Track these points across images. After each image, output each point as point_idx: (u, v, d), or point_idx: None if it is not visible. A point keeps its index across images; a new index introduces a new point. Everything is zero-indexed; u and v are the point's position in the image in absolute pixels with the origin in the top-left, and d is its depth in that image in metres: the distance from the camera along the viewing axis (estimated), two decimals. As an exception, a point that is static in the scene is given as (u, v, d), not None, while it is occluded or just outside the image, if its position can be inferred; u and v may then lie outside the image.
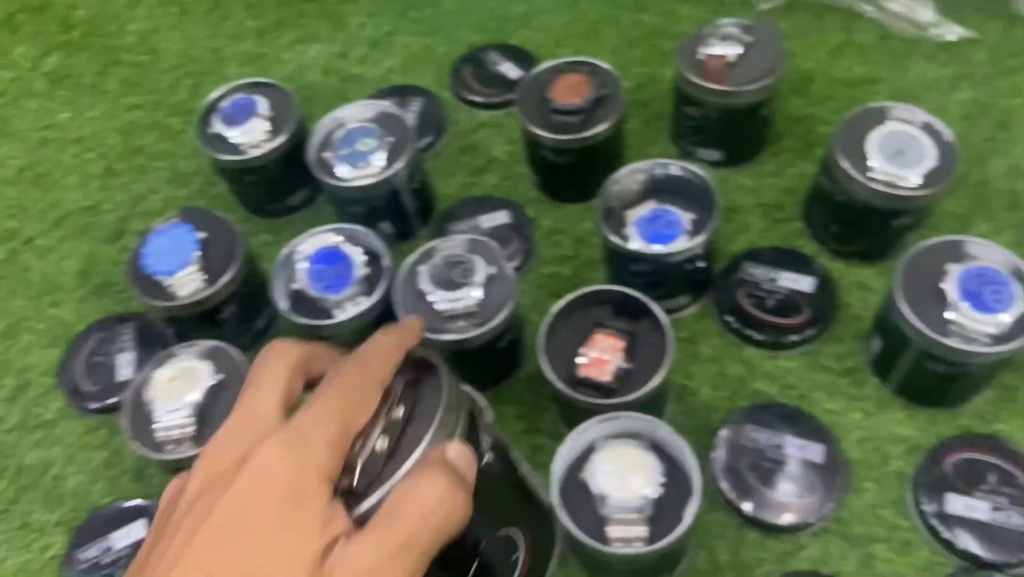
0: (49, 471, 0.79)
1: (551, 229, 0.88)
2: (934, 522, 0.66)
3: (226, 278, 0.76)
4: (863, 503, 0.69)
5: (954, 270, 0.66)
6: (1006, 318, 0.63)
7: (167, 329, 0.83)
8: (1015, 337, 0.63)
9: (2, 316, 0.90)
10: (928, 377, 0.68)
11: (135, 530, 0.73)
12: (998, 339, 0.63)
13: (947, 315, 0.64)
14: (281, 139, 0.85)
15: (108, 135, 1.02)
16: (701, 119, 0.85)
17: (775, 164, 0.89)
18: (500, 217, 0.88)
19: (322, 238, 0.77)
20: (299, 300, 0.75)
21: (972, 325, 0.63)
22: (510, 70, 1.00)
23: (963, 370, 0.66)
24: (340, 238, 0.77)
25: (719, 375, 0.76)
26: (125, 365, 0.83)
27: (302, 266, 0.75)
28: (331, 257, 0.76)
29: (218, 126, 0.86)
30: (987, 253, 0.67)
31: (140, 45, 1.10)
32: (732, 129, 0.85)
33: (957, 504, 0.66)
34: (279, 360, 0.41)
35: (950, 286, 0.65)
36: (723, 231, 0.84)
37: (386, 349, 0.42)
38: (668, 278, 0.76)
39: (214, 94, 0.88)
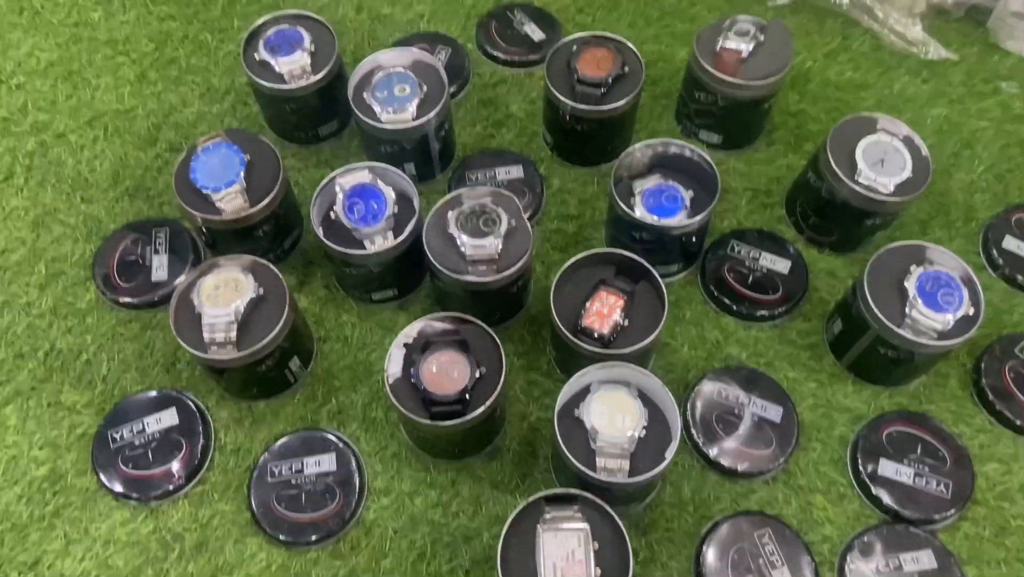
0: (81, 356, 0.86)
1: (559, 188, 0.96)
2: (867, 481, 0.78)
3: (267, 200, 0.82)
4: (809, 459, 0.80)
5: (916, 271, 0.76)
6: (951, 318, 0.75)
7: (200, 239, 0.89)
8: (956, 335, 0.75)
9: (33, 206, 0.94)
10: (878, 359, 0.80)
11: (167, 417, 0.81)
12: (942, 335, 0.75)
13: (906, 309, 0.75)
14: (322, 73, 0.90)
15: (141, 41, 1.05)
16: (708, 104, 0.93)
17: (767, 153, 0.98)
18: (514, 171, 0.95)
19: (359, 174, 0.83)
20: (333, 228, 0.82)
21: (924, 321, 0.75)
22: (534, 31, 1.06)
23: (909, 357, 0.78)
24: (375, 176, 0.83)
25: (698, 337, 0.87)
26: (159, 267, 0.89)
27: (339, 197, 0.82)
28: (365, 193, 0.83)
29: (263, 53, 0.90)
30: (944, 260, 0.78)
31: (175, -45, 1.12)
32: (734, 117, 0.94)
33: (887, 468, 0.78)
34: None
35: (911, 285, 0.76)
36: (715, 209, 0.93)
37: None
38: (665, 247, 0.85)
39: (260, 20, 0.92)
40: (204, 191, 0.81)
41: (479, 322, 0.77)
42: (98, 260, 0.89)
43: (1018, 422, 0.80)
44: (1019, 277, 0.88)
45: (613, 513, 0.68)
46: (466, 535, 0.77)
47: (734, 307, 0.87)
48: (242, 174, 0.81)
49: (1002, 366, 0.83)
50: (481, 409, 0.72)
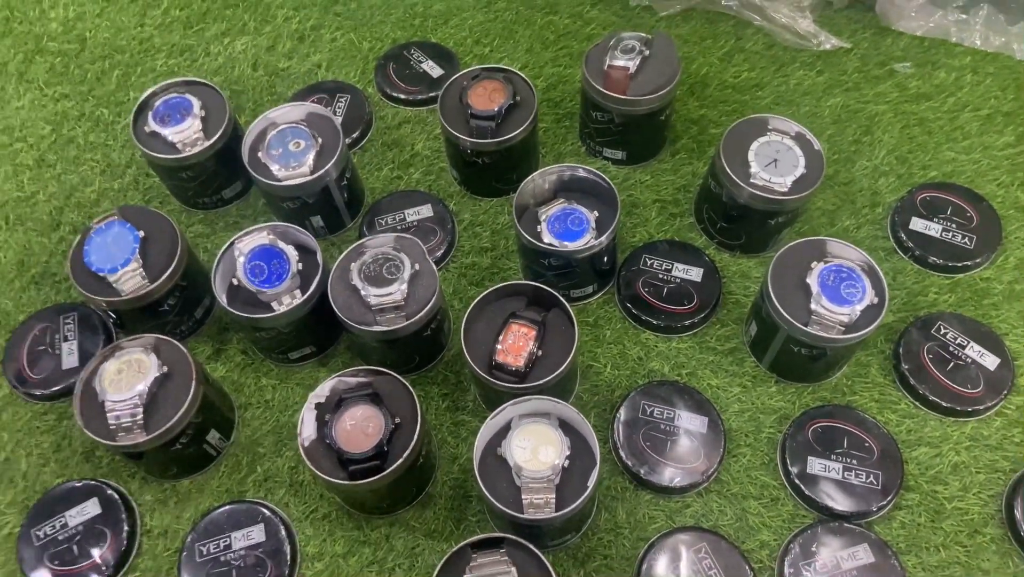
0: (-1, 455, 0.84)
1: (471, 222, 0.96)
2: (797, 481, 0.77)
3: (167, 274, 0.81)
4: (739, 466, 0.80)
5: (816, 268, 0.77)
6: (857, 309, 0.75)
7: (108, 319, 0.88)
8: (863, 326, 0.75)
9: (-61, 306, 0.92)
10: (794, 357, 0.80)
11: (89, 507, 0.79)
12: (849, 327, 0.75)
13: (811, 306, 0.75)
14: (215, 137, 0.90)
15: (37, 125, 1.04)
16: (606, 123, 0.94)
17: (672, 163, 0.98)
18: (424, 211, 0.95)
19: (258, 236, 0.82)
20: (238, 294, 0.81)
21: (829, 316, 0.75)
22: (432, 68, 1.06)
23: (823, 352, 0.78)
24: (274, 236, 0.82)
25: (620, 355, 0.86)
26: (69, 354, 0.87)
27: (240, 261, 0.81)
28: (267, 254, 0.82)
29: (153, 124, 0.89)
30: (845, 252, 0.78)
31: (65, 33, 1.11)
32: (634, 132, 0.94)
33: (816, 465, 0.78)
34: None
35: (813, 281, 0.76)
36: (624, 224, 0.94)
37: None
38: (576, 270, 0.85)
39: (147, 92, 0.91)
40: (101, 273, 0.80)
41: (391, 372, 0.76)
42: (8, 354, 0.88)
43: (943, 403, 0.81)
44: (930, 257, 0.89)
45: (539, 553, 0.67)
46: (404, 589, 0.76)
47: (653, 321, 0.87)
48: (137, 252, 0.80)
49: (920, 349, 0.83)
50: (399, 461, 0.71)
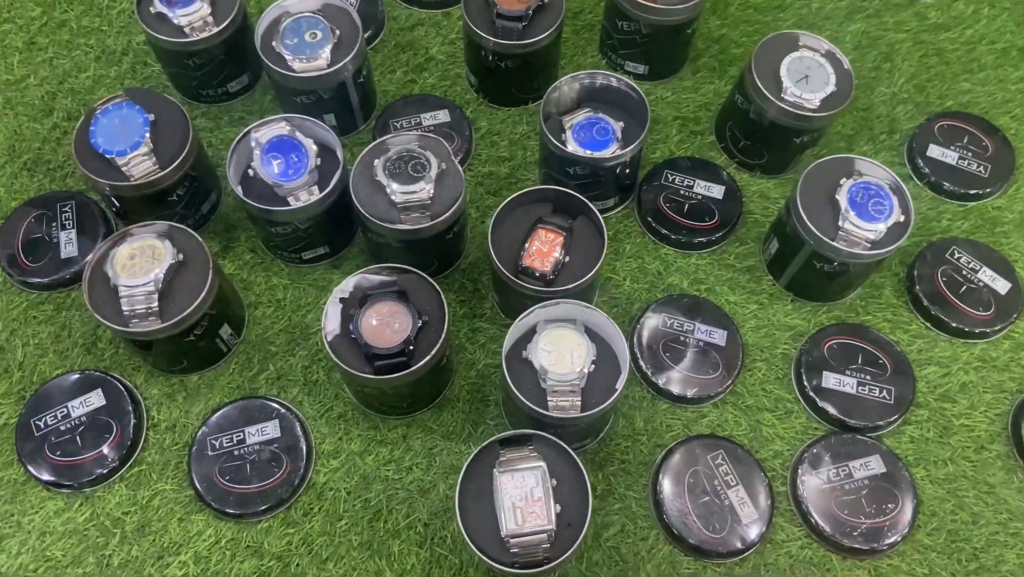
0: (-8, 345, 0.80)
1: (488, 131, 0.93)
2: (812, 394, 0.79)
3: (178, 161, 0.78)
4: (755, 379, 0.81)
5: (846, 184, 0.77)
6: (882, 227, 0.75)
7: (111, 208, 0.84)
8: (889, 243, 0.75)
9: (-78, 189, 0.87)
10: (814, 275, 0.80)
11: (93, 399, 0.76)
12: (875, 244, 0.75)
13: (839, 222, 0.76)
14: (225, 23, 0.85)
15: (27, 6, 0.98)
16: (631, 33, 0.92)
17: (693, 81, 0.97)
18: (441, 116, 0.92)
19: (276, 127, 0.79)
20: (253, 186, 0.78)
21: (856, 232, 0.75)
22: (448, -31, 1.02)
23: (844, 269, 0.78)
24: (292, 127, 0.79)
25: (639, 269, 0.86)
26: (67, 242, 0.83)
27: (256, 153, 0.78)
28: (284, 146, 0.79)
29: (159, 5, 0.84)
30: (873, 170, 0.78)
31: (53, -91, 1.04)
32: (659, 45, 0.92)
33: (830, 380, 0.79)
34: None
35: (842, 197, 0.76)
36: (647, 139, 0.92)
37: None
38: (600, 181, 0.84)
39: (152, -28, 0.86)
40: (108, 156, 0.76)
41: (417, 271, 0.74)
42: (1, 241, 0.83)
43: (953, 324, 0.82)
44: (945, 184, 0.90)
45: (569, 449, 0.67)
46: (422, 488, 0.75)
47: (672, 236, 0.86)
48: (148, 134, 0.76)
49: (934, 272, 0.84)
50: (427, 358, 0.70)
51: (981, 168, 0.90)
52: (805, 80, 0.82)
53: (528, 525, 0.64)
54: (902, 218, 0.76)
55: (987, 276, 0.84)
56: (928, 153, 0.91)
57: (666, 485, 0.75)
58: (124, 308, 0.70)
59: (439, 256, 0.84)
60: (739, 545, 0.73)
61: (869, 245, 0.76)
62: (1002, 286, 0.83)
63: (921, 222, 0.88)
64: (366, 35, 0.97)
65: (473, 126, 0.93)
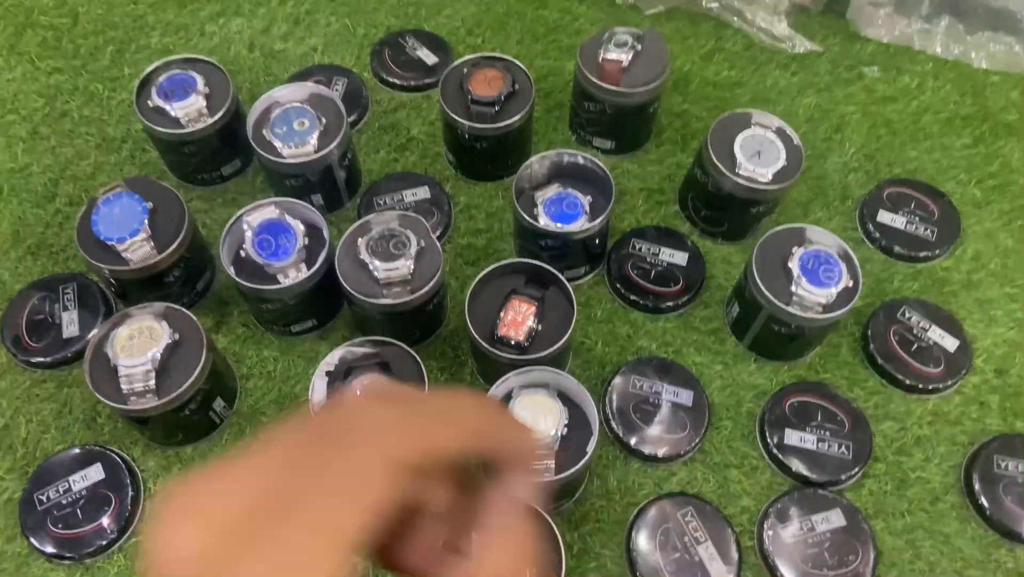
0: (-3, 422, 0.84)
1: (466, 204, 0.99)
2: (775, 451, 0.83)
3: (174, 245, 0.83)
4: (721, 437, 0.85)
5: (797, 252, 0.82)
6: (833, 292, 0.81)
7: (110, 290, 0.89)
8: (839, 307, 0.81)
9: (-69, 274, 0.92)
10: (774, 337, 0.85)
11: (92, 473, 0.80)
12: (827, 308, 0.81)
13: (792, 288, 0.81)
14: (219, 114, 0.92)
15: (30, 97, 1.04)
16: (597, 113, 0.98)
17: (658, 154, 1.03)
18: (421, 192, 0.98)
19: (266, 210, 0.84)
20: (244, 266, 0.83)
21: (809, 297, 0.80)
22: (427, 56, 1.09)
23: (801, 332, 0.83)
24: (281, 211, 0.85)
25: (610, 333, 0.91)
26: (69, 323, 0.88)
27: (248, 235, 0.83)
28: (274, 228, 0.84)
29: (157, 100, 0.91)
30: (823, 238, 0.84)
31: (57, 8, 1.11)
32: (623, 123, 0.99)
33: (792, 437, 0.84)
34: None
35: (794, 265, 0.82)
36: (614, 211, 0.98)
37: None
38: (570, 252, 0.89)
39: (150, 67, 0.93)
40: (108, 242, 0.81)
41: (399, 343, 0.79)
42: (6, 322, 0.88)
43: (907, 381, 0.87)
44: (895, 248, 0.95)
45: (542, 511, 0.71)
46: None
47: (640, 302, 0.92)
48: (146, 222, 0.82)
49: (887, 331, 0.89)
50: (407, 427, 0.74)
51: (928, 231, 0.96)
52: (758, 156, 0.89)
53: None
54: (851, 283, 0.82)
55: (936, 334, 0.89)
56: (878, 218, 0.97)
57: (640, 542, 0.79)
58: (123, 386, 0.75)
59: (420, 326, 0.89)
60: (709, 598, 0.76)
61: (821, 309, 0.81)
62: (951, 344, 0.88)
63: (873, 284, 0.94)
64: (351, 118, 1.03)
65: (452, 201, 0.99)
